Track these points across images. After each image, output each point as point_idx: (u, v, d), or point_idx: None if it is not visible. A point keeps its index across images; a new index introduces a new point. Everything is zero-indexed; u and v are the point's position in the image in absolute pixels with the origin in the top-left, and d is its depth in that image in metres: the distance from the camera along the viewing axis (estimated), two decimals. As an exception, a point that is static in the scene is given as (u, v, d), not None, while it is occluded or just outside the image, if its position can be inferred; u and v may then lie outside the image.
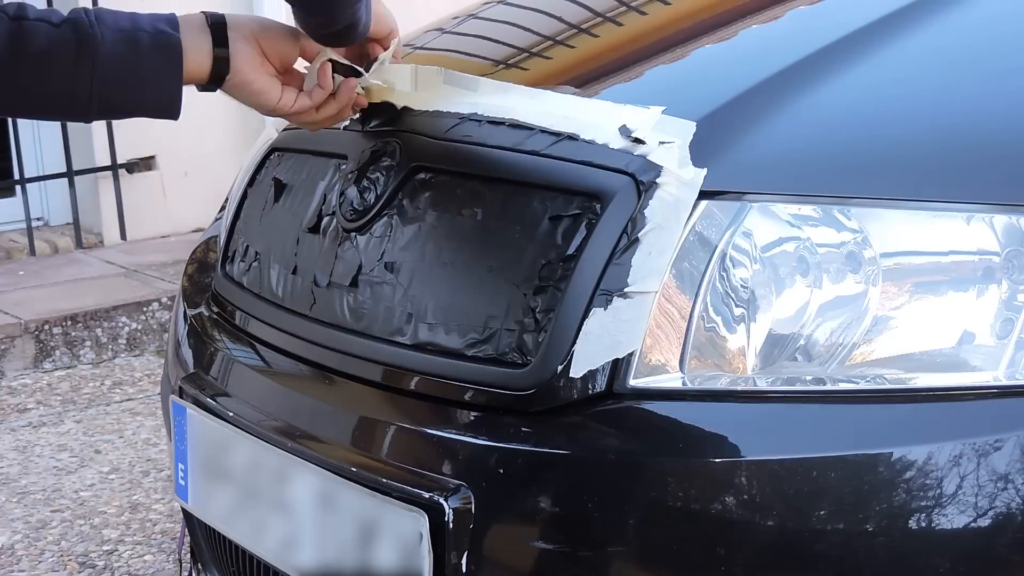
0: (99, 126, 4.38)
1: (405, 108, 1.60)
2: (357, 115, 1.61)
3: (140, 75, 1.43)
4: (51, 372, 3.70)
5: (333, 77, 1.51)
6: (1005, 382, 1.29)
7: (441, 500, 1.33)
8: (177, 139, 4.96)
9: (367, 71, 1.54)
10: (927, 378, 1.30)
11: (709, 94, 1.46)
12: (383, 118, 1.66)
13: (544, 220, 1.41)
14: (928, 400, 1.29)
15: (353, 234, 1.57)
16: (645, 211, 1.34)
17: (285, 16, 1.59)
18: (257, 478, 1.57)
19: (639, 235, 1.34)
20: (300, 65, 1.54)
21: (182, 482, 1.71)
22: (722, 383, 1.32)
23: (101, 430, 3.25)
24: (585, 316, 1.34)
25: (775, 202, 1.34)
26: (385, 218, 1.54)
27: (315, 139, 1.79)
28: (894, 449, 1.25)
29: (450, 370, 1.42)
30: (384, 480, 1.39)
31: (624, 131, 1.40)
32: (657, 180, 1.35)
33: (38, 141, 4.56)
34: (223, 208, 2.07)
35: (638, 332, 1.32)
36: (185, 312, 1.89)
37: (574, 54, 1.79)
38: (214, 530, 1.70)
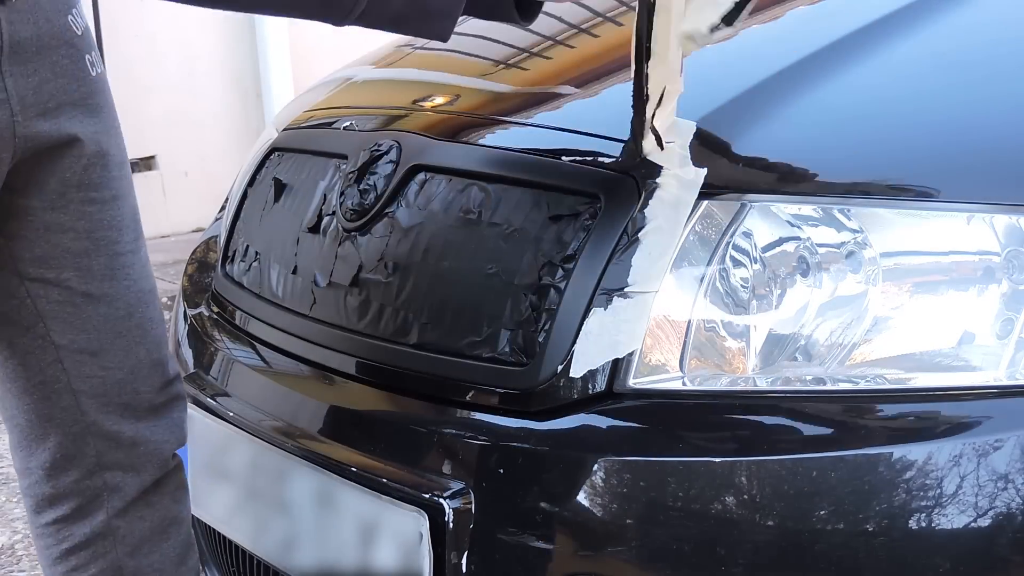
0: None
1: (405, 108, 1.61)
2: None
3: None
4: (51, 372, 3.68)
5: None
6: (1005, 382, 1.29)
7: (441, 500, 1.34)
8: (177, 139, 4.97)
9: None
10: (927, 378, 1.30)
11: (709, 94, 1.46)
12: (383, 118, 1.66)
13: (544, 220, 1.41)
14: (928, 400, 1.29)
15: (353, 234, 1.57)
16: (645, 211, 1.34)
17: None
18: (257, 478, 1.57)
19: (639, 235, 1.34)
20: None
21: (182, 482, 1.71)
22: (722, 383, 1.32)
23: (101, 430, 3.24)
24: (585, 316, 1.34)
25: (775, 202, 1.34)
26: (385, 218, 1.54)
27: (315, 139, 1.79)
28: (894, 449, 1.25)
29: (450, 370, 1.42)
30: (384, 480, 1.39)
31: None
32: (657, 180, 1.35)
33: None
34: (223, 208, 2.07)
35: (638, 332, 1.32)
36: (185, 312, 1.89)
37: (574, 54, 1.79)
38: (214, 530, 1.70)
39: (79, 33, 1.57)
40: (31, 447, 1.63)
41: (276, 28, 5.12)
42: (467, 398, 1.40)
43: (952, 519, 1.23)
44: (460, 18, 1.44)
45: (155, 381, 1.62)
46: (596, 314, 1.33)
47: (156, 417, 1.63)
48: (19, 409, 1.61)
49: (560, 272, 1.37)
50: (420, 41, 2.05)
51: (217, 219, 2.09)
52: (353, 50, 1.82)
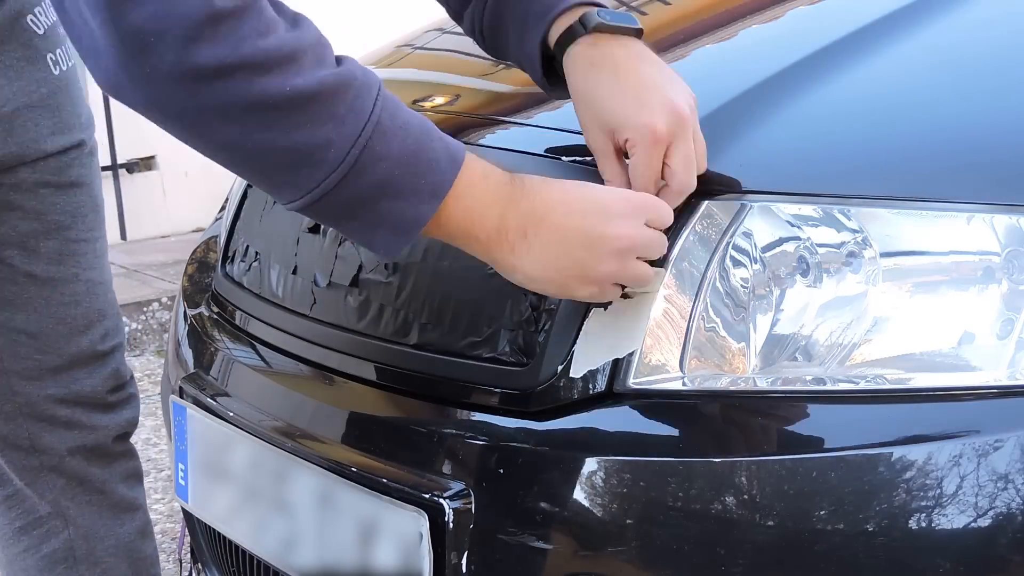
0: (99, 124, 4.37)
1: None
2: None
3: (424, 141, 1.16)
4: (51, 372, 3.67)
5: None
6: (1005, 382, 1.29)
7: (441, 500, 1.34)
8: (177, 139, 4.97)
9: None
10: (927, 378, 1.30)
11: (709, 94, 1.46)
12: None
13: (544, 220, 1.41)
14: (928, 400, 1.29)
15: (353, 234, 1.57)
16: (645, 211, 1.34)
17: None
18: (257, 478, 1.57)
19: (639, 235, 1.33)
20: None
21: (182, 482, 1.71)
22: (722, 383, 1.32)
23: (101, 430, 3.23)
24: (585, 316, 1.34)
25: (775, 202, 1.34)
26: (385, 218, 1.54)
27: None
28: (894, 449, 1.25)
29: (450, 370, 1.42)
30: (384, 480, 1.39)
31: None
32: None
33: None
34: (223, 208, 2.07)
35: (638, 332, 1.32)
36: (185, 312, 1.89)
37: (574, 54, 1.78)
38: (214, 530, 1.70)
39: (40, 32, 1.55)
40: None
41: (276, 28, 5.12)
42: (467, 398, 1.40)
43: (952, 519, 1.23)
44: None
45: (103, 377, 1.60)
46: (596, 314, 1.33)
47: (100, 411, 1.61)
48: None
49: (560, 272, 1.37)
50: (420, 41, 2.05)
51: (217, 219, 2.09)
52: (353, 50, 1.82)
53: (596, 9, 1.32)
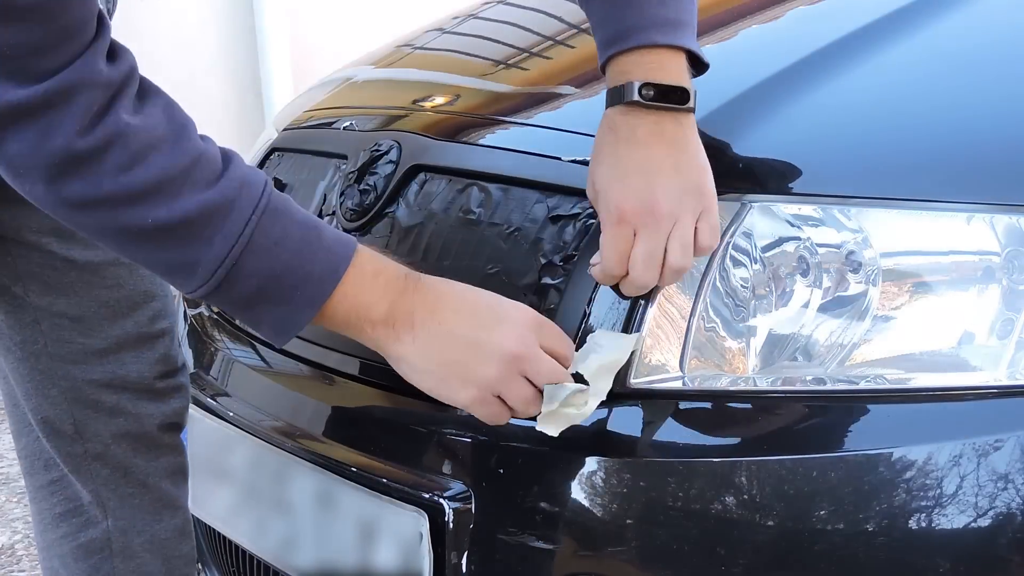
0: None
1: (405, 108, 1.60)
2: None
3: (304, 253, 1.19)
4: (51, 372, 3.68)
5: None
6: (1005, 382, 1.29)
7: (441, 500, 1.34)
8: (177, 139, 4.96)
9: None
10: (927, 378, 1.30)
11: (709, 94, 1.46)
12: (383, 118, 1.66)
13: (544, 220, 1.41)
14: (928, 400, 1.29)
15: (353, 234, 1.57)
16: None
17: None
18: (257, 478, 1.57)
19: (639, 235, 1.33)
20: None
21: (182, 482, 1.71)
22: (722, 383, 1.32)
23: (101, 430, 3.23)
24: (585, 316, 1.33)
25: (775, 202, 1.34)
26: (385, 218, 1.54)
27: (315, 139, 1.79)
28: (894, 449, 1.25)
29: (450, 370, 1.42)
30: (384, 480, 1.39)
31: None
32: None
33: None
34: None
35: (638, 332, 1.32)
36: (185, 312, 1.89)
37: (574, 54, 1.79)
38: (214, 530, 1.70)
39: None
40: (19, 406, 1.63)
41: (276, 28, 5.12)
42: (467, 398, 1.40)
43: (952, 519, 1.23)
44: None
45: (150, 362, 1.58)
46: (596, 314, 1.33)
47: (147, 398, 1.59)
48: (8, 368, 1.61)
49: (560, 272, 1.37)
50: (420, 41, 2.06)
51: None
52: (353, 50, 1.83)
53: (641, 84, 1.26)
